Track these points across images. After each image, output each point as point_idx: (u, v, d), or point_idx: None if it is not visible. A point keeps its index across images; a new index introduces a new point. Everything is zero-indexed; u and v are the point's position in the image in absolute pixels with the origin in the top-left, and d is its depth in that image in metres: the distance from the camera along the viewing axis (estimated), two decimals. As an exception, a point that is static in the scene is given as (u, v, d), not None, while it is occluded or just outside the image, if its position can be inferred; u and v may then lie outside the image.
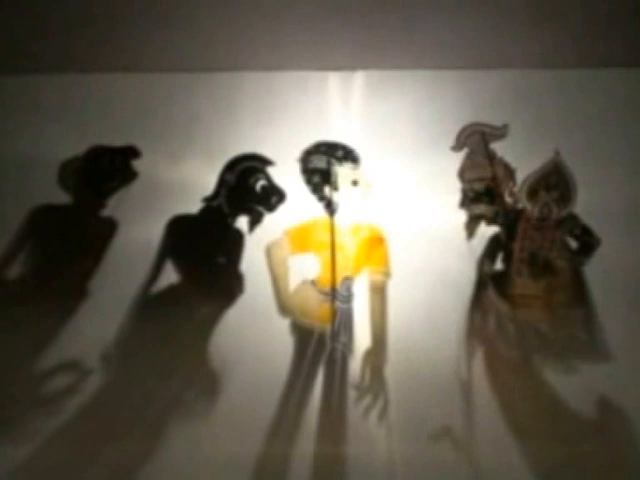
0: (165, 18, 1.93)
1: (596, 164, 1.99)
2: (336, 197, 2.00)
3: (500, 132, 2.01)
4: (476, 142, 2.02)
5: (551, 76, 2.08)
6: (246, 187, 2.01)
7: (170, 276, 1.97)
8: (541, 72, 2.08)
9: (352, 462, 1.83)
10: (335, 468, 1.83)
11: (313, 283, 1.98)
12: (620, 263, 1.94)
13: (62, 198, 2.03)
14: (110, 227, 2.01)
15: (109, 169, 2.04)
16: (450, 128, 2.02)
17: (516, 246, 1.96)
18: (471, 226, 1.99)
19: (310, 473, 1.82)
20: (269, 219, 2.02)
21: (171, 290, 1.96)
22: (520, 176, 1.98)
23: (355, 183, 2.00)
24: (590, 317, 1.92)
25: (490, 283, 1.97)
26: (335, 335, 1.93)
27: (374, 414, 1.87)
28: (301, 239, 2.00)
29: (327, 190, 2.00)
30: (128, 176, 2.03)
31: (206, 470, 1.83)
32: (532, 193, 1.95)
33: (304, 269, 1.99)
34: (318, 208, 2.00)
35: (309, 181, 2.00)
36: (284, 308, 1.96)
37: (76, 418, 1.88)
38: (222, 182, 2.01)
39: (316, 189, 2.00)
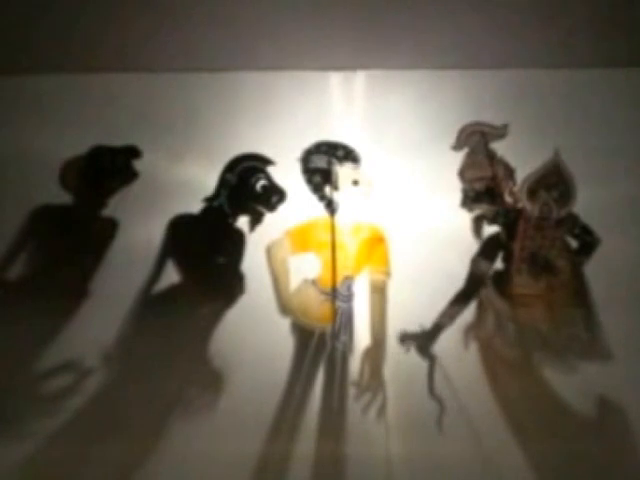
0: (165, 18, 1.93)
1: (596, 164, 1.99)
2: (337, 197, 2.00)
3: (500, 132, 2.02)
4: (476, 141, 2.02)
5: (551, 76, 2.09)
6: (247, 187, 2.01)
7: (171, 276, 1.97)
8: (541, 72, 2.09)
9: (351, 461, 1.83)
10: (334, 466, 1.83)
11: (314, 283, 1.99)
12: (620, 262, 1.95)
13: (63, 198, 2.03)
14: (111, 227, 2.01)
15: (110, 169, 2.03)
16: (450, 128, 2.02)
17: (516, 245, 1.96)
18: (477, 226, 1.99)
19: (310, 471, 1.82)
20: (270, 219, 2.02)
21: (172, 290, 1.96)
22: (520, 175, 1.98)
23: (356, 183, 2.00)
24: (590, 316, 1.93)
25: (490, 282, 1.98)
26: (335, 334, 1.93)
27: (373, 413, 1.88)
28: (302, 239, 2.00)
29: (328, 190, 2.00)
30: (129, 176, 2.03)
31: (207, 469, 1.83)
32: (532, 193, 1.95)
33: (305, 269, 1.99)
34: (319, 208, 2.01)
35: (310, 181, 2.00)
36: (285, 308, 1.96)
37: (76, 417, 1.88)
38: (223, 182, 2.01)
39: (317, 189, 2.00)
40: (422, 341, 1.92)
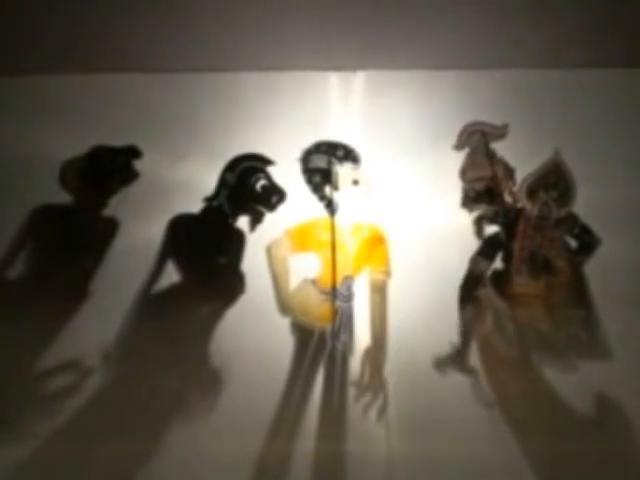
0: (166, 18, 1.94)
1: (596, 163, 2.00)
2: (337, 197, 2.00)
3: (500, 132, 2.02)
4: (477, 141, 2.02)
5: (551, 76, 2.09)
6: (247, 187, 2.01)
7: (171, 276, 1.97)
8: (541, 72, 2.09)
9: (352, 460, 1.83)
10: (335, 466, 1.83)
11: (314, 282, 1.98)
12: (620, 262, 1.95)
13: (63, 198, 2.03)
14: (111, 227, 2.01)
15: (111, 169, 2.03)
16: (450, 128, 2.02)
17: (516, 245, 1.96)
18: (479, 227, 2.00)
19: (310, 471, 1.82)
20: (270, 219, 2.02)
21: (172, 290, 1.96)
22: (520, 175, 1.99)
23: (356, 183, 2.00)
24: (590, 316, 1.93)
25: (489, 282, 1.98)
26: (335, 334, 1.93)
27: (373, 412, 1.88)
28: (302, 238, 2.00)
29: (328, 190, 2.00)
30: (129, 176, 2.03)
31: (207, 469, 1.82)
32: (532, 192, 1.96)
33: (305, 268, 1.99)
34: (319, 208, 2.01)
35: (310, 181, 2.00)
36: (285, 307, 1.96)
37: (76, 418, 1.87)
38: (223, 182, 2.01)
39: (317, 189, 2.00)
40: (457, 358, 1.91)
